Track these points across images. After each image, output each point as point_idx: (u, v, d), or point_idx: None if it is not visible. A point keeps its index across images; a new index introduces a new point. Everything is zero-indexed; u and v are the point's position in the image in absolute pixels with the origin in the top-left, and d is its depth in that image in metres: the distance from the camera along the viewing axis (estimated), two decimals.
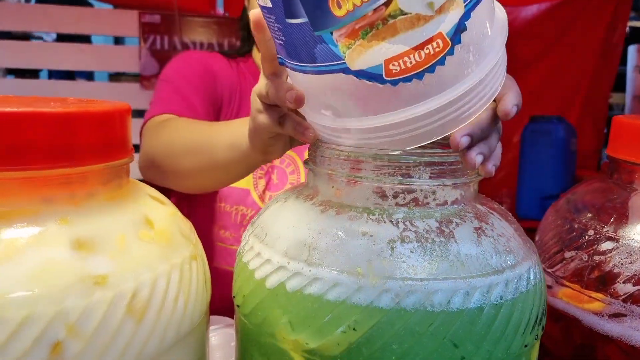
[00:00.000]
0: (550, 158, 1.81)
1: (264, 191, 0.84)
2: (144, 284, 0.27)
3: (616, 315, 0.39)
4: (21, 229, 0.25)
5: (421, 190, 0.31)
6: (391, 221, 0.30)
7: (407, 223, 0.30)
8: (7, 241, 0.25)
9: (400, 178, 0.31)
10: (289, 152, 0.89)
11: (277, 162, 0.87)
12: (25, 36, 2.66)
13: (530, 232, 0.36)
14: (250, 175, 0.84)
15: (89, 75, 2.83)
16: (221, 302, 0.56)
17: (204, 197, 0.84)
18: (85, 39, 2.41)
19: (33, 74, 2.34)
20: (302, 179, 0.85)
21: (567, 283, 0.42)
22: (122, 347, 0.25)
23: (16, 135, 0.25)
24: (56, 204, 0.27)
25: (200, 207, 0.84)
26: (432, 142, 0.31)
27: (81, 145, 0.27)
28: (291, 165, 0.87)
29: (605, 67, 2.08)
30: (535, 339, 0.32)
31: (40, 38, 2.90)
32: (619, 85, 2.22)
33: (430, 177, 0.31)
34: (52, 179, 0.27)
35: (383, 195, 0.31)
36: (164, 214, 0.32)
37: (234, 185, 0.81)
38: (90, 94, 1.92)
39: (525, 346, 0.31)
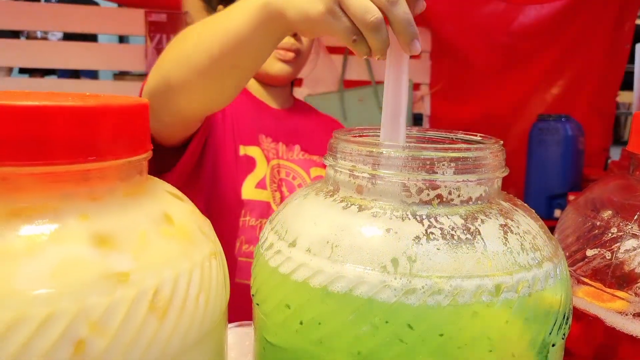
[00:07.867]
0: (558, 157, 1.81)
1: (280, 203, 0.85)
2: (166, 282, 0.26)
3: None
4: (42, 225, 0.25)
5: (445, 186, 0.31)
6: (415, 218, 0.30)
7: (432, 220, 0.29)
8: (28, 238, 0.24)
9: (424, 174, 0.30)
10: (296, 167, 0.90)
11: (283, 174, 0.88)
12: (31, 35, 2.66)
13: None
14: (269, 189, 0.84)
15: (93, 74, 2.83)
16: (244, 317, 0.55)
17: (228, 211, 0.83)
18: (91, 37, 2.41)
19: (39, 72, 2.35)
20: None
21: (589, 281, 0.41)
22: (145, 344, 0.25)
23: (37, 129, 0.24)
24: (76, 199, 0.26)
25: (223, 222, 0.83)
26: (455, 138, 0.30)
27: (102, 140, 0.27)
28: (297, 178, 0.90)
29: (613, 66, 2.08)
30: (562, 338, 0.31)
31: (45, 38, 2.90)
32: (627, 83, 2.20)
33: (454, 173, 0.30)
34: (72, 175, 0.26)
35: (406, 192, 0.31)
36: (183, 210, 0.31)
37: (257, 198, 0.81)
38: (95, 93, 1.91)
39: (553, 345, 0.30)
